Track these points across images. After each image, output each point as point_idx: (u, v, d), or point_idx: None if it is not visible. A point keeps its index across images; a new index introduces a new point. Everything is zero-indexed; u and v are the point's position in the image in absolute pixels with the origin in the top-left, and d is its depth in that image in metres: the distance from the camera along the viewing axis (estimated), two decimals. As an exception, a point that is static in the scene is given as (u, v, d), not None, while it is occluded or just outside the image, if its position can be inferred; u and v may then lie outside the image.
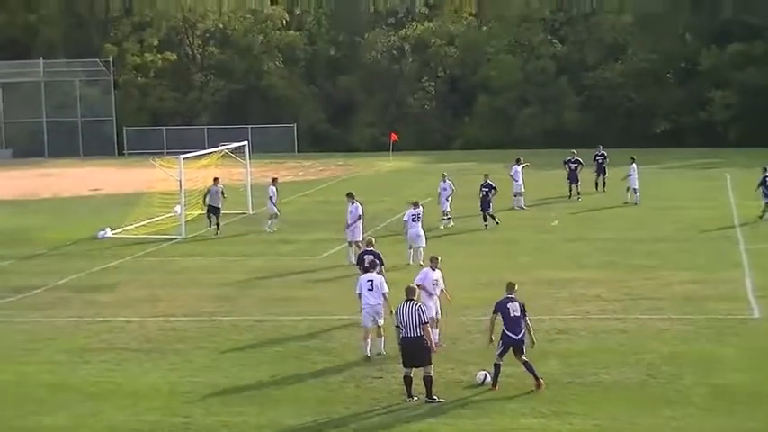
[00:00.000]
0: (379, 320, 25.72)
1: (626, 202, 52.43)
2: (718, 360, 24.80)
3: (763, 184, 46.62)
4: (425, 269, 26.74)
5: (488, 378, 23.49)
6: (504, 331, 23.12)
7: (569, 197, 54.80)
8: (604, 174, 57.23)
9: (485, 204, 46.33)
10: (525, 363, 23.08)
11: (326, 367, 25.29)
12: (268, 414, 21.96)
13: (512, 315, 23.10)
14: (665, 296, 32.07)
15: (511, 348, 23.05)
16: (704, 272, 35.41)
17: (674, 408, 21.67)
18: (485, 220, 46.19)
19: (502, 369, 23.12)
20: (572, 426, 20.84)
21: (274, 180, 48.75)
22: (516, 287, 23.68)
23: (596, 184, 57.23)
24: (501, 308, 23.23)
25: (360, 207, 39.20)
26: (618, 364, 24.80)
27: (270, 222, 47.40)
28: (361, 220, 38.92)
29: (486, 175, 47.78)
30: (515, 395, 22.70)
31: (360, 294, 25.91)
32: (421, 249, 37.85)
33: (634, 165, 52.89)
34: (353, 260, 35.32)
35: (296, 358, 26.17)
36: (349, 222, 38.78)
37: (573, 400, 22.37)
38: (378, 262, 28.80)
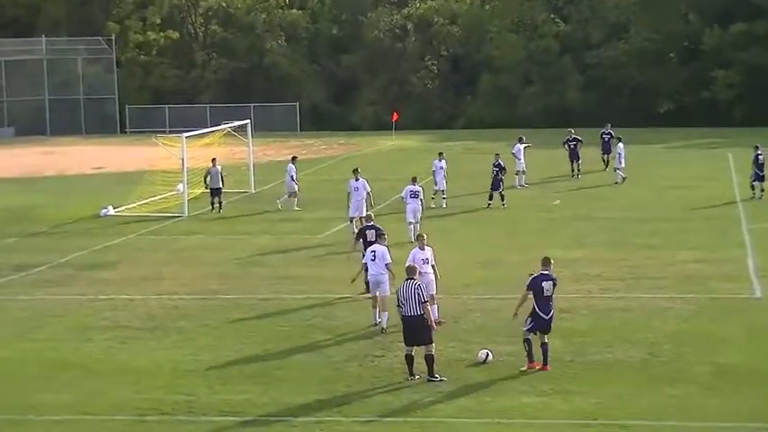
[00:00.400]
0: (381, 291, 26.28)
1: (616, 182, 52.68)
2: (721, 339, 24.82)
3: (755, 162, 46.89)
4: (414, 249, 26.59)
5: (490, 357, 23.54)
6: (535, 309, 22.88)
7: (571, 176, 54.81)
8: (610, 151, 57.22)
9: (495, 184, 46.34)
10: (544, 344, 22.89)
11: (329, 346, 25.34)
12: (271, 392, 22.00)
13: (545, 294, 22.90)
14: (667, 275, 32.10)
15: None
16: (707, 251, 35.42)
17: (676, 386, 21.71)
18: (490, 199, 46.17)
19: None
20: (573, 404, 20.88)
21: (294, 158, 49.17)
22: (552, 262, 23.38)
23: (604, 161, 57.50)
24: (535, 286, 22.91)
25: (367, 183, 39.30)
26: (620, 343, 24.85)
27: (284, 198, 47.48)
28: (368, 198, 39.06)
29: (497, 154, 47.84)
30: (517, 374, 22.73)
31: (366, 266, 27.20)
32: (412, 226, 38.03)
33: (621, 144, 53.48)
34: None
35: (299, 336, 26.21)
36: (355, 199, 38.89)
37: (575, 378, 22.42)
38: (380, 234, 28.42)
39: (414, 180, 39.25)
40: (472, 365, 23.43)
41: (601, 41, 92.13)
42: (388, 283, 26.37)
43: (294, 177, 47.47)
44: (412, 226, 38.17)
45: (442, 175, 46.64)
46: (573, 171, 55.11)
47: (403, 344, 22.86)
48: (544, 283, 22.94)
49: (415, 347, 22.51)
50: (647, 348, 24.43)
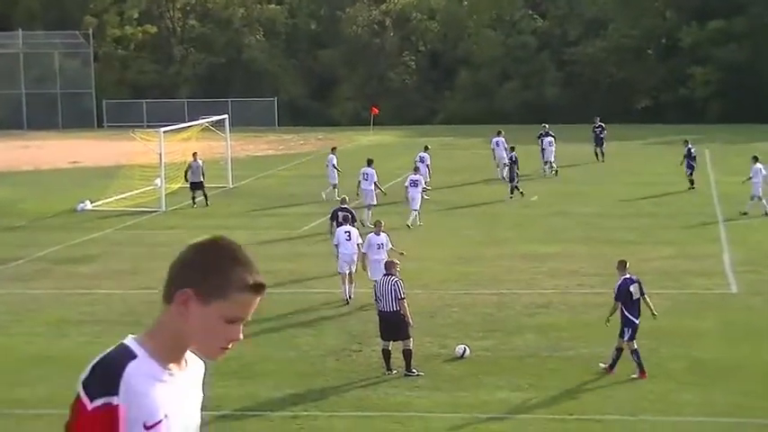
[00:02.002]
0: (352, 267, 28.65)
1: (545, 175, 54.17)
2: (697, 334, 24.97)
3: (687, 156, 48.59)
4: (369, 235, 28.85)
5: (467, 352, 23.59)
6: (627, 316, 22.37)
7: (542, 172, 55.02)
8: (602, 144, 59.61)
9: (512, 176, 47.52)
10: (635, 351, 22.36)
11: (307, 341, 25.37)
12: (247, 387, 22.01)
13: (634, 298, 22.44)
14: (644, 271, 32.02)
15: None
16: (683, 247, 35.57)
17: (651, 381, 21.82)
18: (512, 192, 47.24)
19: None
20: (550, 399, 20.96)
21: (333, 149, 50.22)
22: (628, 264, 22.99)
23: (596, 154, 59.53)
24: (623, 294, 22.42)
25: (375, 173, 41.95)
26: (596, 339, 24.92)
27: (329, 190, 47.63)
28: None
29: (512, 147, 49.26)
30: (493, 369, 22.79)
31: (337, 245, 29.11)
32: (414, 213, 40.36)
33: (550, 138, 54.90)
34: (370, 223, 36.39)
35: (277, 331, 26.22)
36: (365, 188, 41.68)
37: (551, 373, 22.49)
38: (351, 217, 31.41)
39: (415, 170, 42.61)
40: (449, 360, 23.49)
41: (578, 38, 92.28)
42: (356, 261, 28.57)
43: (336, 167, 48.09)
44: (415, 213, 40.62)
45: (425, 169, 47.54)
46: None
47: (380, 339, 22.91)
48: (631, 288, 22.48)
49: (392, 342, 22.56)
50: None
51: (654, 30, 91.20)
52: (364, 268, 28.18)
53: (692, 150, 49.09)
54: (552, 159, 55.04)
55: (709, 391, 21.24)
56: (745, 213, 41.77)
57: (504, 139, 53.93)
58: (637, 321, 22.37)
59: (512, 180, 47.52)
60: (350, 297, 28.63)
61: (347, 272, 28.72)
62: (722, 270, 32.20)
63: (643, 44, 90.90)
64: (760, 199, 42.16)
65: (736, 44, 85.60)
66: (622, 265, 22.89)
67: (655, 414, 20.12)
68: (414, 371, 22.46)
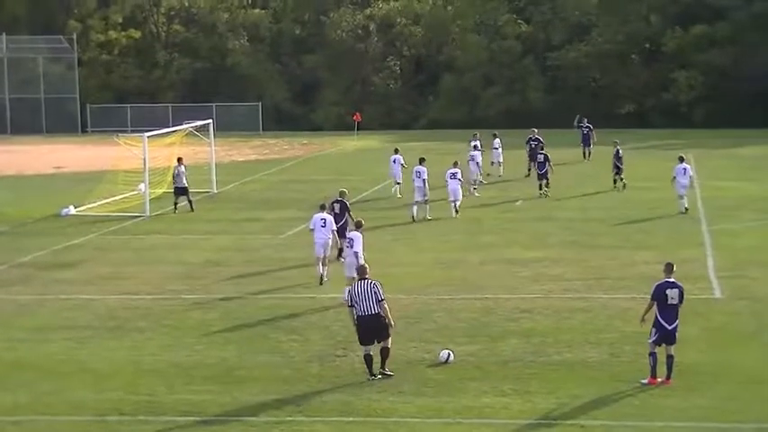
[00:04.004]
0: (327, 251, 31.68)
1: (488, 173, 55.10)
2: (680, 339, 24.87)
3: (615, 157, 50.72)
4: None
5: (452, 357, 23.55)
6: (657, 319, 22.01)
7: (527, 175, 55.00)
8: (589, 144, 61.12)
9: (543, 174, 49.43)
10: (669, 357, 22.02)
11: (291, 346, 25.30)
12: (231, 392, 21.96)
13: (669, 303, 21.96)
14: (628, 276, 32.25)
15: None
16: (667, 252, 35.50)
17: (635, 387, 21.81)
18: (540, 189, 49.11)
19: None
20: (533, 404, 20.94)
21: (396, 150, 51.31)
22: (675, 268, 22.44)
23: (583, 153, 61.22)
24: (658, 294, 21.99)
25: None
26: (580, 343, 24.94)
27: (397, 187, 49.49)
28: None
29: (543, 145, 52.45)
30: (477, 374, 22.77)
31: (312, 230, 31.85)
32: (455, 203, 43.52)
33: (497, 140, 56.17)
34: (429, 216, 42.84)
35: (260, 337, 26.17)
36: (417, 185, 43.32)
37: (535, 378, 22.48)
38: (346, 209, 34.56)
39: (455, 163, 44.76)
40: (433, 365, 23.46)
41: (562, 43, 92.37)
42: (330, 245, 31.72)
43: (404, 164, 49.49)
44: (452, 203, 43.54)
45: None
46: (529, 170, 55.23)
47: (360, 344, 22.81)
48: (668, 291, 22.00)
49: (372, 346, 22.52)
50: (607, 348, 24.54)
51: (637, 35, 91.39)
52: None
53: (620, 152, 50.87)
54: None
55: (691, 397, 21.25)
56: (686, 210, 43.70)
57: (499, 140, 56.25)
58: (668, 327, 21.94)
59: (543, 177, 49.41)
60: (324, 278, 31.46)
61: (321, 255, 31.63)
62: (706, 275, 32.23)
63: (627, 49, 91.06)
64: (681, 198, 44.02)
65: (720, 49, 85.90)
66: (669, 268, 22.39)
67: (637, 419, 20.12)
68: (387, 370, 22.50)
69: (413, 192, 43.90)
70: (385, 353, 22.51)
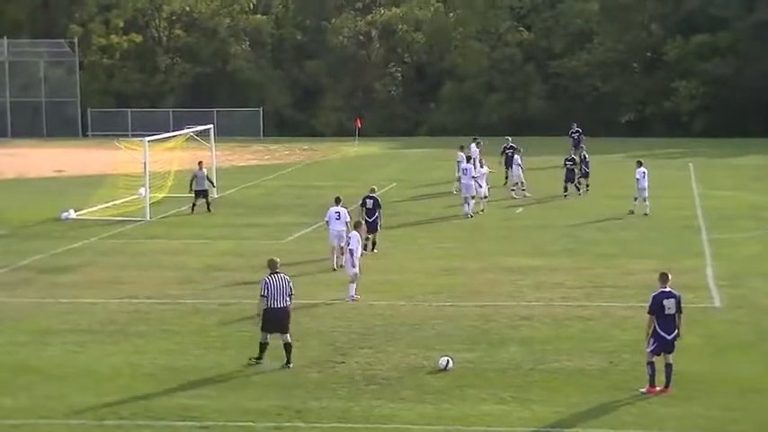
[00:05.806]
0: (341, 242, 32.91)
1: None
2: (679, 348, 24.89)
3: (582, 161, 52.56)
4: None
5: (451, 364, 23.57)
6: (656, 329, 22.01)
7: (504, 183, 54.47)
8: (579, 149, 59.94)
9: (570, 176, 51.29)
10: (668, 365, 22.07)
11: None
12: (229, 398, 21.97)
13: (666, 313, 22.01)
14: (627, 284, 32.26)
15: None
16: (666, 261, 35.53)
17: (634, 395, 21.83)
18: (565, 191, 50.98)
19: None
20: (533, 412, 20.96)
21: (462, 147, 53.25)
22: (670, 278, 22.57)
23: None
24: (656, 307, 22.02)
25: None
26: (580, 352, 24.96)
27: (457, 185, 50.43)
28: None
29: (575, 152, 54.53)
30: (476, 381, 22.79)
31: (328, 222, 34.36)
32: (471, 198, 45.46)
33: (462, 153, 54.85)
34: (470, 212, 45.37)
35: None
36: (464, 182, 45.80)
37: (534, 386, 22.49)
38: (377, 205, 37.08)
39: (468, 159, 47.48)
40: (433, 372, 23.47)
41: (564, 51, 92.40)
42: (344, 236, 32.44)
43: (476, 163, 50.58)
44: (465, 200, 45.71)
45: None
46: (506, 178, 54.91)
47: (260, 330, 23.99)
48: (665, 301, 22.08)
49: (270, 335, 23.87)
50: (606, 357, 24.55)
51: (639, 43, 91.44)
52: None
53: (586, 156, 52.97)
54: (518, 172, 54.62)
55: (690, 405, 21.26)
56: (631, 212, 45.53)
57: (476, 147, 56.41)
58: (667, 337, 21.96)
59: (570, 180, 51.26)
60: (337, 266, 33.55)
61: (335, 245, 33.94)
62: (705, 284, 32.25)
63: (628, 58, 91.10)
64: (645, 200, 45.50)
65: (721, 58, 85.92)
66: (664, 278, 22.46)
67: (636, 428, 20.13)
68: (291, 363, 23.81)
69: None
70: (289, 347, 23.92)
